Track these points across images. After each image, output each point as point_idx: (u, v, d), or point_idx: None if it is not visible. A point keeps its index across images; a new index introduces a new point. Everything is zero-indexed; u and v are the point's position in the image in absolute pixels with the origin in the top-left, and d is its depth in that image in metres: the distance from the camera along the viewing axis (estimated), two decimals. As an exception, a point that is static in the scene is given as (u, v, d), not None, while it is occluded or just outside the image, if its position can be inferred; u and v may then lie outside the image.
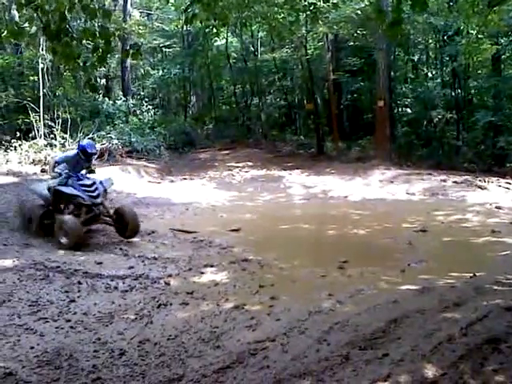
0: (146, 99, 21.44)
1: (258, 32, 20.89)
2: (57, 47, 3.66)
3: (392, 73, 18.26)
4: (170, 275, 6.03)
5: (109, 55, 4.19)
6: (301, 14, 14.52)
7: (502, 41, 16.64)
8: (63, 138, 13.78)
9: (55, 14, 3.70)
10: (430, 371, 3.21)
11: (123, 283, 5.66)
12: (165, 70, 23.71)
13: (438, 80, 19.30)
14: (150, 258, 6.75)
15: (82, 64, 3.92)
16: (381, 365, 3.37)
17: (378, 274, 5.99)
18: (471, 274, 5.82)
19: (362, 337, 3.87)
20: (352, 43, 20.00)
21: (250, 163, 16.35)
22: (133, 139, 16.43)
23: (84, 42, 3.85)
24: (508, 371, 3.13)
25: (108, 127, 16.78)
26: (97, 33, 3.61)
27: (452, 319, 4.09)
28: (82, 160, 7.64)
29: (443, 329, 3.88)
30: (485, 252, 7.00)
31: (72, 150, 8.98)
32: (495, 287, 5.13)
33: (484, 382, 3.03)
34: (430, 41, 20.14)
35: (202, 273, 6.15)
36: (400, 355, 3.47)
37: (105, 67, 22.06)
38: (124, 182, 12.92)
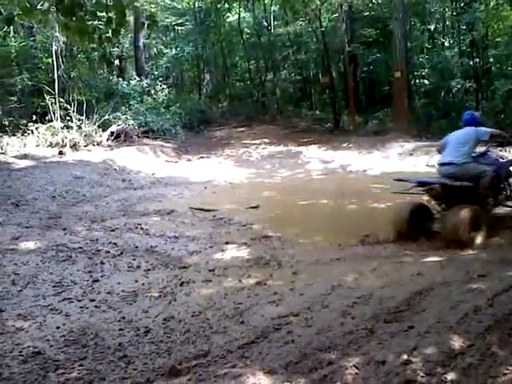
0: (160, 78, 21.36)
1: (271, 6, 20.62)
2: (70, 23, 3.61)
3: (408, 43, 17.91)
4: (191, 253, 6.04)
5: (122, 29, 4.14)
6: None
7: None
8: (79, 120, 13.81)
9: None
10: (457, 343, 3.16)
11: (146, 262, 5.69)
12: (178, 49, 23.56)
13: (456, 49, 18.93)
14: (170, 236, 6.77)
15: (97, 38, 3.87)
16: (406, 337, 3.34)
17: (401, 246, 5.94)
18: (497, 244, 5.74)
19: (387, 310, 3.83)
20: (367, 14, 19.66)
21: (266, 140, 16.29)
22: (148, 119, 16.43)
23: (97, 15, 3.78)
24: (537, 341, 3.08)
25: (123, 108, 16.77)
26: (110, 5, 3.55)
27: (478, 290, 4.03)
28: None
29: (469, 300, 3.82)
30: (510, 222, 6.86)
31: None
32: (520, 257, 5.06)
33: (512, 352, 2.98)
34: (447, 9, 19.70)
35: (223, 250, 6.16)
36: (426, 327, 3.43)
37: (118, 47, 22.05)
38: (141, 162, 12.98)
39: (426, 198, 6.76)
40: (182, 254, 6.01)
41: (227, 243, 6.40)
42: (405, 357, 3.04)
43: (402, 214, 6.42)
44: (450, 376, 2.79)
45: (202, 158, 14.75)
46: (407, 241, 6.18)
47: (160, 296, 4.65)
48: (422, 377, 2.81)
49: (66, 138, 12.99)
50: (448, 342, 3.20)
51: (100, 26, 4.06)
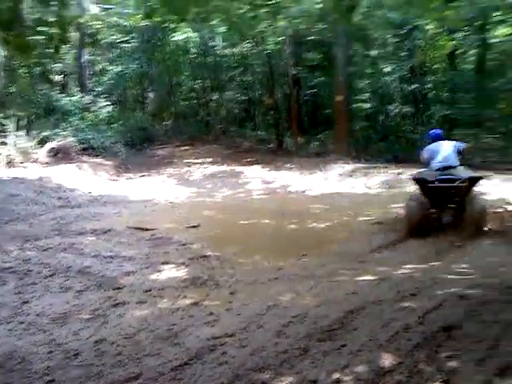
0: (103, 95, 21.03)
1: (218, 27, 20.74)
2: (8, 38, 3.51)
3: (351, 68, 18.42)
4: (126, 273, 5.91)
5: (64, 46, 4.05)
6: (261, 8, 14.49)
7: (458, 36, 17.04)
8: (16, 136, 13.37)
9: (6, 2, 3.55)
10: (387, 360, 3.24)
11: (79, 283, 5.52)
12: (122, 66, 23.30)
13: (396, 75, 19.61)
14: (106, 256, 6.59)
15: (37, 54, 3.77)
16: (339, 356, 3.39)
17: (337, 266, 6.03)
18: (427, 264, 5.94)
19: (321, 329, 3.87)
20: (312, 38, 20.11)
21: (209, 159, 16.27)
22: (89, 136, 16.09)
23: (39, 31, 3.69)
24: (461, 357, 3.19)
25: (64, 124, 16.38)
26: (51, 22, 3.47)
27: (409, 308, 4.15)
28: None
29: (400, 318, 3.93)
30: (440, 242, 7.11)
31: None
32: (450, 276, 5.24)
33: (438, 368, 3.08)
34: (389, 36, 20.45)
35: (160, 270, 6.05)
36: (358, 345, 3.50)
37: (61, 63, 21.59)
38: (80, 179, 12.69)
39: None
40: (116, 274, 5.87)
41: (164, 263, 6.29)
42: (336, 375, 3.09)
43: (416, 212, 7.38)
44: (379, 394, 2.85)
45: (143, 176, 14.55)
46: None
47: (92, 318, 4.52)
48: (352, 395, 2.86)
49: (0, 154, 12.54)
50: (378, 359, 3.27)
51: (41, 42, 3.97)
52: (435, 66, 18.61)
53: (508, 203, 9.24)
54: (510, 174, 12.81)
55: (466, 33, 17.53)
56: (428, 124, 17.55)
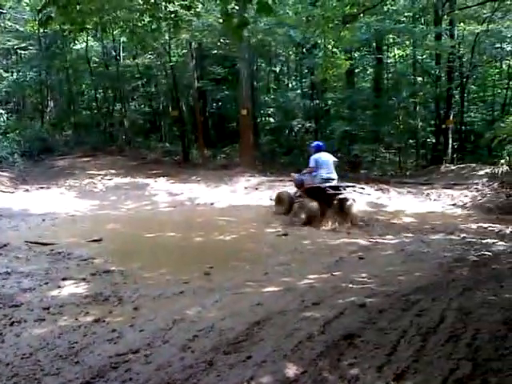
0: (-1, 103, 19.93)
1: (120, 37, 20.38)
2: None
3: (255, 83, 18.82)
4: (24, 290, 5.59)
5: None
6: (162, 21, 14.42)
7: (356, 55, 17.92)
8: None
9: None
10: (291, 370, 3.30)
11: (-29, 302, 5.14)
12: (20, 73, 22.22)
13: (298, 91, 20.26)
14: (2, 273, 6.20)
15: None
16: (244, 368, 3.41)
17: (243, 278, 6.08)
18: (329, 274, 6.15)
19: (226, 341, 3.88)
20: (216, 52, 20.31)
21: (112, 171, 15.87)
22: (-18, 146, 15.17)
23: None
24: (362, 364, 3.32)
25: (-46, 132, 15.35)
26: None
27: (311, 318, 4.27)
28: None
29: (303, 328, 4.03)
30: (341, 253, 7.40)
31: None
32: (350, 285, 5.45)
33: (341, 376, 3.18)
34: (291, 53, 21.10)
35: (60, 286, 5.77)
36: (263, 357, 3.54)
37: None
38: (-28, 192, 11.88)
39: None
40: (13, 291, 5.52)
41: (65, 279, 6.02)
42: (242, 387, 3.09)
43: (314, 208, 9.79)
44: (283, 403, 2.89)
45: (41, 188, 13.89)
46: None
47: (-15, 338, 4.22)
48: (258, 406, 2.88)
49: None
50: (283, 369, 3.33)
51: None
52: (335, 84, 19.43)
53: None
54: (403, 187, 13.63)
55: (363, 53, 18.50)
56: (329, 139, 18.27)
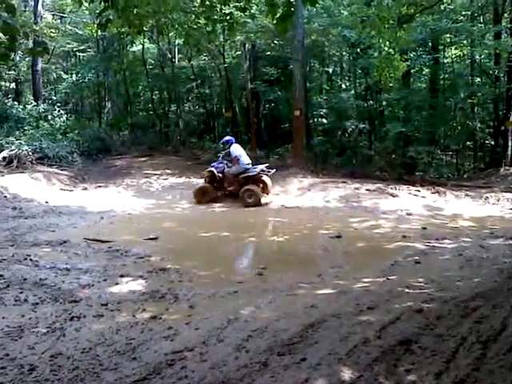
0: (59, 104, 20.64)
1: (175, 39, 20.72)
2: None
3: (308, 83, 18.69)
4: (83, 286, 5.78)
5: (15, 54, 3.96)
6: (217, 23, 14.58)
7: (412, 55, 17.54)
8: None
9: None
10: (347, 374, 3.27)
11: (34, 295, 5.35)
12: (78, 75, 22.95)
13: (352, 92, 20.01)
14: (62, 268, 6.43)
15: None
16: (299, 370, 3.40)
17: (296, 279, 6.06)
18: (384, 278, 6.05)
19: (281, 342, 3.88)
20: (269, 53, 20.33)
21: (168, 171, 16.14)
22: (44, 145, 15.76)
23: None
24: (419, 370, 3.25)
25: (17, 132, 15.99)
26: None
27: (367, 322, 4.21)
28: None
29: (358, 332, 3.99)
30: (396, 256, 7.27)
31: None
32: (406, 290, 5.34)
33: (397, 382, 3.13)
34: (344, 53, 20.88)
35: (118, 283, 5.94)
36: (317, 359, 3.52)
37: (14, 70, 21.11)
38: (34, 189, 12.39)
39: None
40: (73, 287, 5.73)
41: (122, 276, 6.19)
42: (297, 389, 3.08)
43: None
44: (340, 407, 2.87)
45: (99, 187, 14.30)
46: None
47: (48, 331, 4.39)
48: (313, 409, 2.87)
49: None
50: (338, 373, 3.30)
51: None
52: (390, 85, 19.08)
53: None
54: (461, 190, 13.23)
55: (419, 53, 18.07)
56: (384, 140, 17.98)
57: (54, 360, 3.82)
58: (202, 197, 12.40)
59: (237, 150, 12.47)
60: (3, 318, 4.69)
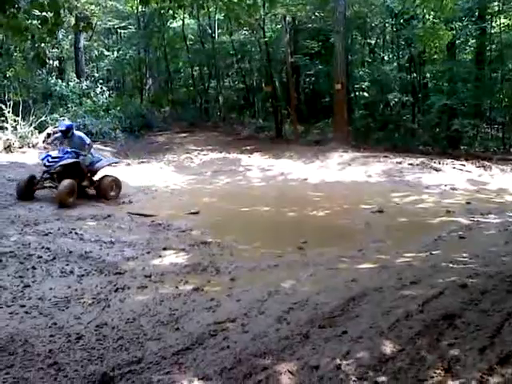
0: (101, 81, 20.91)
1: (216, 14, 20.61)
2: (1, 20, 3.47)
3: (349, 56, 18.35)
4: (127, 259, 5.92)
5: (59, 30, 4.03)
6: (258, -4, 14.39)
7: (457, 25, 16.93)
8: (15, 121, 13.29)
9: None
10: (388, 347, 3.25)
11: (79, 268, 5.52)
12: (120, 52, 23.18)
13: (395, 64, 19.51)
14: (106, 242, 6.60)
15: (30, 37, 3.74)
16: (340, 342, 3.40)
17: (337, 253, 6.05)
18: (427, 253, 5.96)
19: (321, 315, 3.89)
20: (310, 26, 19.98)
21: (208, 146, 16.23)
22: (87, 122, 16.02)
23: (33, 14, 3.65)
24: (462, 345, 3.20)
25: (61, 110, 16.31)
26: (45, 4, 3.43)
27: (409, 296, 4.17)
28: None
29: (401, 306, 3.95)
30: (440, 231, 7.14)
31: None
32: (450, 265, 5.26)
33: (440, 356, 3.09)
34: (387, 24, 20.32)
35: (161, 256, 6.06)
36: (358, 332, 3.51)
37: (57, 48, 21.44)
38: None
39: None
40: (117, 259, 5.88)
41: (165, 249, 6.31)
42: (338, 361, 3.09)
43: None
44: (381, 380, 2.86)
45: (142, 162, 14.50)
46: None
47: (93, 302, 4.53)
48: (354, 381, 2.88)
49: (0, 138, 12.48)
50: (380, 346, 3.28)
51: (36, 25, 3.91)
52: (434, 56, 18.48)
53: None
54: (507, 164, 12.84)
55: (465, 23, 17.41)
56: (427, 114, 17.52)
57: (99, 330, 3.94)
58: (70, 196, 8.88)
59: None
60: (50, 288, 4.86)
